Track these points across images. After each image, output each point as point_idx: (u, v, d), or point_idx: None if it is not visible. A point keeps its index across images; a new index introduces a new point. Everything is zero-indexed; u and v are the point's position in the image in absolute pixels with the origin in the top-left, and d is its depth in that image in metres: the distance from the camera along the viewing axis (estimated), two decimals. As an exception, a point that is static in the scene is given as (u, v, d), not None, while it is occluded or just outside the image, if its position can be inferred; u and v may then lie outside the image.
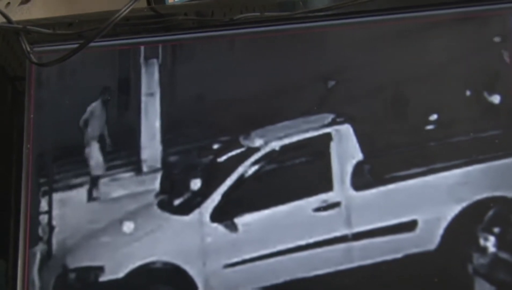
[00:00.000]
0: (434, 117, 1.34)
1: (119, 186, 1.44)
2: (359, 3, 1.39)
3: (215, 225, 1.39)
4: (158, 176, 1.43)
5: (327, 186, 1.36)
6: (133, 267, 1.41)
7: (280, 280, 1.35)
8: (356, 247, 1.33)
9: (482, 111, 1.33)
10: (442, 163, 1.33)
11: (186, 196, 1.41)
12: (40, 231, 1.45)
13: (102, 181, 1.45)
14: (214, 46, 1.46)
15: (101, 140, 1.44)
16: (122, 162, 1.45)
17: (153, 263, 1.40)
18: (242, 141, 1.41)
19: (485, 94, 1.33)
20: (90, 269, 1.42)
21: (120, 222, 1.42)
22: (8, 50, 1.54)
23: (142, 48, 1.49)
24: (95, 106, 1.46)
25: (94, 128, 1.45)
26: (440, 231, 1.31)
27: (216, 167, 1.41)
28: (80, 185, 1.45)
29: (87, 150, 1.44)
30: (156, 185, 1.43)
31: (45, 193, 1.46)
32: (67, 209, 1.45)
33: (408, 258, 1.32)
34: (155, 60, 1.47)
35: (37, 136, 1.49)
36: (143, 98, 1.47)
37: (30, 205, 1.46)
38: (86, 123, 1.46)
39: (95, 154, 1.43)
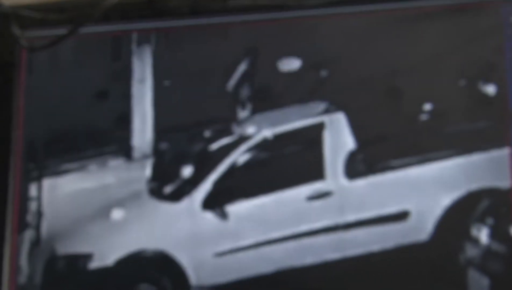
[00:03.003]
0: (428, 106, 1.34)
1: (109, 173, 1.43)
2: (353, -8, 1.39)
3: (206, 213, 1.38)
4: (149, 163, 1.42)
5: (320, 174, 1.35)
6: (122, 255, 1.39)
7: (271, 269, 1.34)
8: (348, 236, 1.33)
9: (476, 101, 1.32)
10: (435, 153, 1.32)
11: (177, 183, 1.40)
12: (28, 217, 1.43)
13: (92, 167, 1.43)
14: (207, 33, 1.45)
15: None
16: (112, 149, 1.43)
17: (142, 251, 1.39)
18: (234, 128, 1.40)
19: (480, 84, 1.32)
20: (79, 257, 1.40)
21: (110, 209, 1.41)
22: (-2, 36, 1.52)
23: (135, 34, 1.47)
24: (243, 68, 1.42)
25: (245, 90, 1.42)
26: (433, 221, 1.30)
27: (208, 155, 1.40)
28: (70, 171, 1.44)
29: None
30: (147, 172, 1.42)
31: (34, 179, 1.45)
32: (57, 196, 1.44)
33: (399, 248, 1.31)
34: (147, 47, 1.46)
35: (27, 122, 1.48)
36: (134, 85, 1.45)
37: (19, 191, 1.44)
38: (237, 86, 1.42)
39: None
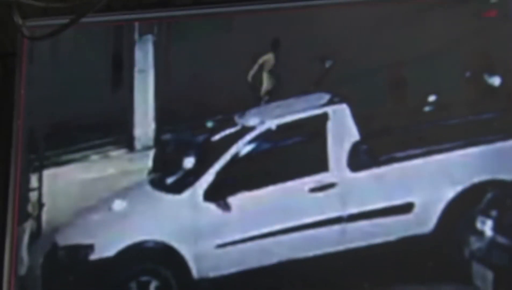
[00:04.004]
0: (432, 98, 1.33)
1: (111, 163, 1.42)
2: (358, -17, 1.38)
3: (208, 204, 1.37)
4: (151, 154, 1.41)
5: (323, 166, 1.34)
6: (124, 246, 1.39)
7: (273, 261, 1.34)
8: (351, 228, 1.32)
9: (482, 92, 1.32)
10: (440, 145, 1.31)
11: (179, 174, 1.39)
12: (29, 208, 1.43)
13: (94, 158, 1.43)
14: (210, 23, 1.44)
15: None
16: (114, 139, 1.43)
17: (144, 242, 1.38)
18: (237, 119, 1.39)
19: (485, 75, 1.32)
20: (80, 247, 1.40)
21: (111, 200, 1.40)
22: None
23: (137, 24, 1.47)
24: (267, 58, 1.41)
25: (268, 81, 1.40)
26: (437, 214, 1.30)
27: (211, 146, 1.39)
28: (71, 161, 1.43)
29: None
30: (149, 163, 1.41)
31: (35, 170, 1.44)
32: (58, 186, 1.43)
33: (403, 240, 1.30)
34: (149, 37, 1.46)
35: (28, 112, 1.47)
36: (136, 75, 1.45)
37: (19, 181, 1.44)
38: (256, 78, 1.41)
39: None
